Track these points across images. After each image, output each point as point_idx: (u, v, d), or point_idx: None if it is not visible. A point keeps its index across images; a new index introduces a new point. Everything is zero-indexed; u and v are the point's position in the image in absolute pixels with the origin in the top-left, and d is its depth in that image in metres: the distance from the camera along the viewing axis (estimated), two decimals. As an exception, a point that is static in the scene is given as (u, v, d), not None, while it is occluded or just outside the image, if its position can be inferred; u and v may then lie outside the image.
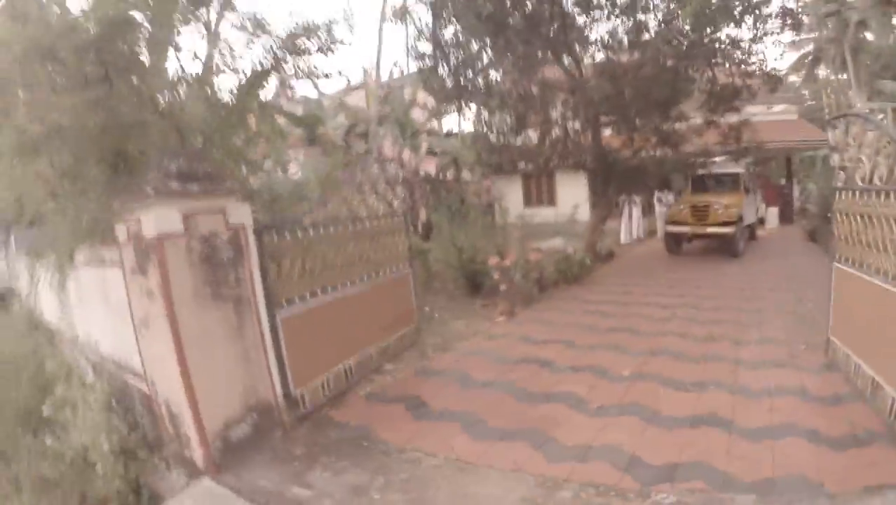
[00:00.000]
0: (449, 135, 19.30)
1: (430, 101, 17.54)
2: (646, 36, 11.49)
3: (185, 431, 4.56)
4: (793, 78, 31.79)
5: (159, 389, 4.80)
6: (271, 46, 5.88)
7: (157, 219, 4.21)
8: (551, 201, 19.71)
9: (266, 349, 5.03)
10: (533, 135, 13.86)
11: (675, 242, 14.99)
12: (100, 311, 6.16)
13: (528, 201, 19.45)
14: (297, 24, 6.01)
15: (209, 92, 5.36)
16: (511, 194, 20.18)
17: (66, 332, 7.94)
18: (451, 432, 4.86)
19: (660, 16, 11.46)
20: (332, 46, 6.28)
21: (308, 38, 6.11)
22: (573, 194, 18.95)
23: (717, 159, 15.74)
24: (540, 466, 4.14)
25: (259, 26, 5.98)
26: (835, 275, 5.48)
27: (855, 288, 4.94)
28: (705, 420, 4.62)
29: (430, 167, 16.12)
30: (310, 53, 6.17)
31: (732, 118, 13.58)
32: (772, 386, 5.22)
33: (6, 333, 8.93)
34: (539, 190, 20.26)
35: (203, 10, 5.49)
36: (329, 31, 6.21)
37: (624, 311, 8.88)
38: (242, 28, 5.82)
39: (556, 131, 13.50)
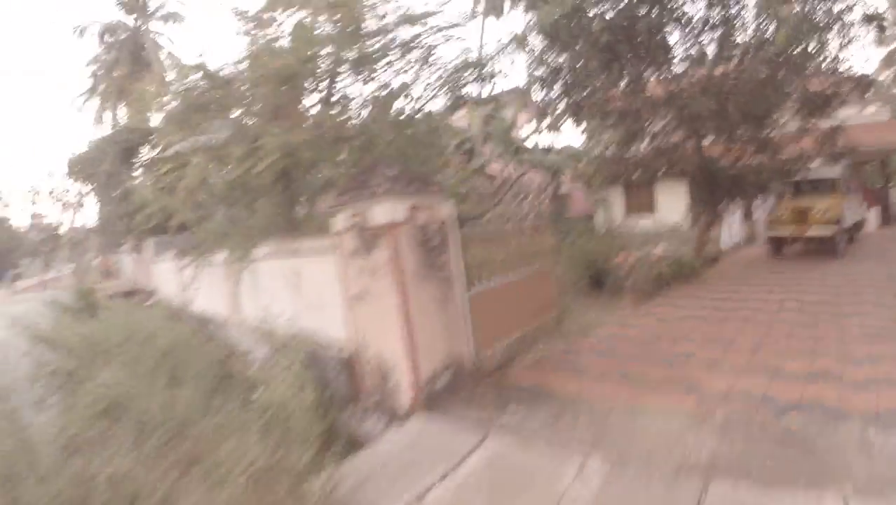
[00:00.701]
0: (548, 150, 20.24)
1: (527, 119, 18.59)
2: (739, 51, 12.09)
3: (397, 381, 5.66)
4: (884, 76, 31.12)
5: (372, 349, 5.90)
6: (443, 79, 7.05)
7: (386, 210, 5.38)
8: (650, 210, 20.34)
9: (462, 320, 6.10)
10: (639, 147, 14.62)
11: (777, 245, 15.43)
12: (283, 294, 7.38)
13: (628, 210, 20.13)
14: (463, 60, 7.16)
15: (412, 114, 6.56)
16: (611, 204, 20.99)
17: (229, 315, 9.38)
18: (613, 387, 5.84)
19: (751, 31, 12.07)
20: (491, 78, 7.44)
21: (469, 71, 7.28)
22: (671, 203, 19.59)
23: (813, 165, 16.04)
24: (692, 405, 5.08)
25: (427, 62, 7.17)
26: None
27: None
28: (819, 376, 5.51)
29: (533, 180, 17.11)
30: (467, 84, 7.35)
31: (826, 124, 13.95)
32: (874, 353, 5.97)
33: (171, 323, 10.43)
34: (639, 199, 20.94)
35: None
36: (485, 65, 7.38)
37: (735, 304, 9.59)
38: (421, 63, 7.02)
39: (662, 143, 14.22)
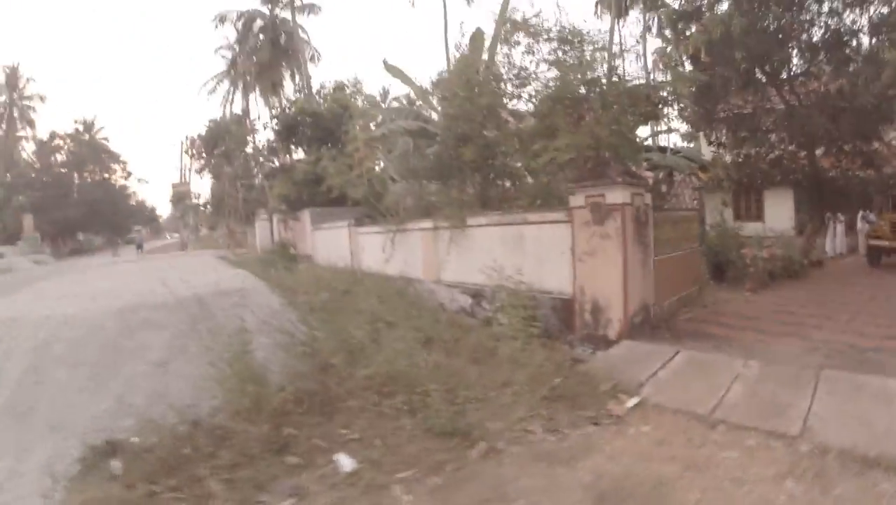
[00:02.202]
0: (663, 150, 22.52)
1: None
2: (851, 67, 14.28)
3: (609, 317, 8.51)
4: None
5: (588, 294, 8.74)
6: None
7: (618, 194, 8.33)
8: (759, 217, 22.48)
9: (651, 277, 8.88)
10: (756, 156, 17.01)
11: (875, 255, 17.44)
12: (499, 255, 10.31)
13: (737, 216, 22.26)
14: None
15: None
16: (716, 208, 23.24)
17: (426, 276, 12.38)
18: (750, 334, 8.85)
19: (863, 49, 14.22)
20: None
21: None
22: (777, 211, 21.77)
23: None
24: (804, 345, 7.97)
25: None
26: None
27: None
28: (890, 337, 8.14)
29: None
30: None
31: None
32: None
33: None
34: (748, 205, 23.09)
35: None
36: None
37: (835, 295, 12.23)
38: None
39: (776, 153, 16.60)
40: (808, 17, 14.29)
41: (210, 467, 4.69)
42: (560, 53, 10.09)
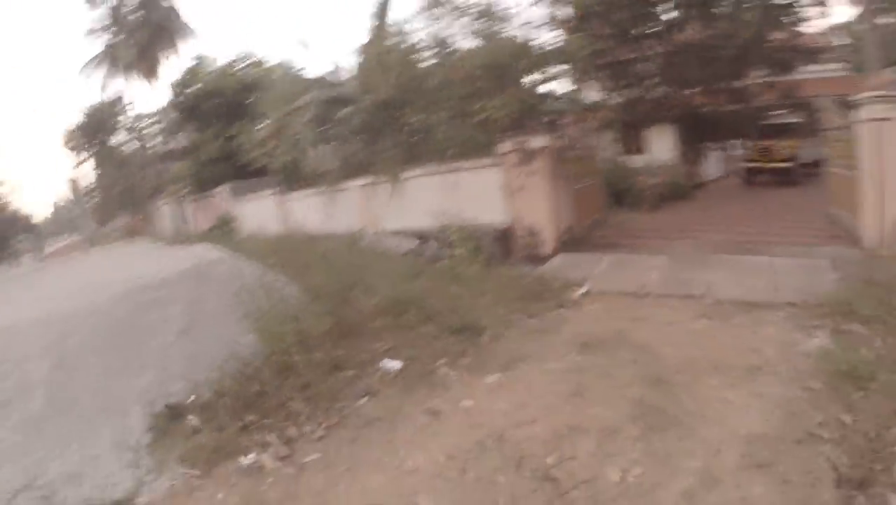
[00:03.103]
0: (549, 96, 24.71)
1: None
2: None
3: (542, 238, 10.60)
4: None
5: (523, 222, 10.73)
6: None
7: (541, 140, 10.29)
8: (642, 150, 25.18)
9: (571, 204, 10.95)
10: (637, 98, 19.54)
11: (748, 176, 20.37)
12: (435, 201, 12.15)
13: (626, 150, 24.78)
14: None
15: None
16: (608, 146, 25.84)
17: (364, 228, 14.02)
18: (654, 241, 11.26)
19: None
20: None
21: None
22: (660, 145, 24.48)
23: (778, 112, 20.99)
24: (695, 243, 10.34)
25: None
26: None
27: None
28: (754, 234, 10.59)
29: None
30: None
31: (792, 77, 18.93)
32: (783, 227, 11.04)
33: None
34: (634, 141, 25.75)
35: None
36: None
37: (716, 210, 14.95)
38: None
39: (657, 95, 19.14)
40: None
41: (283, 395, 5.82)
42: (481, 26, 11.92)
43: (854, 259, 7.94)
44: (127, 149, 52.30)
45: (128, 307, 8.10)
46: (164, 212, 34.81)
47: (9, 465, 5.65)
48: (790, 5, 16.87)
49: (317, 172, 17.17)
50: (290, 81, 21.80)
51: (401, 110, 13.50)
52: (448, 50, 13.06)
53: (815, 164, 19.37)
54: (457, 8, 12.45)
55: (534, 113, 10.88)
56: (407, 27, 15.13)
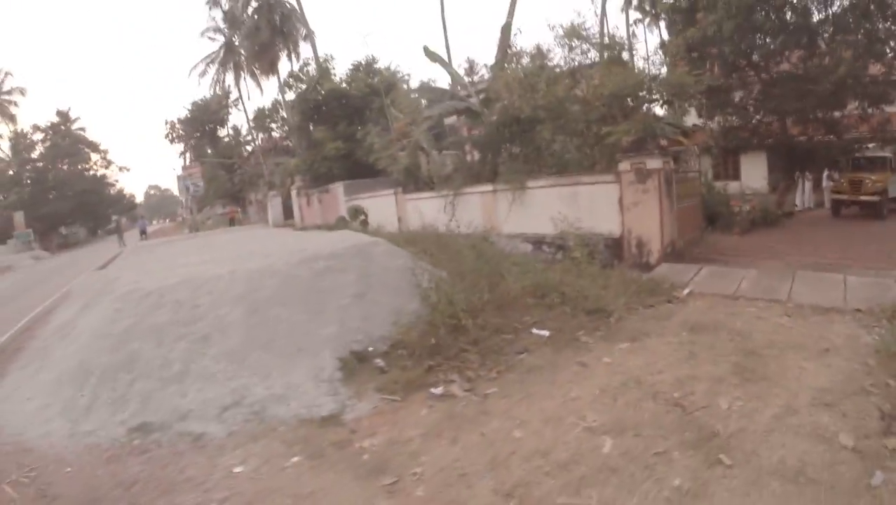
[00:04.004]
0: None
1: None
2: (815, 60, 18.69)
3: (650, 248, 12.66)
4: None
5: (634, 233, 12.90)
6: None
7: (655, 161, 12.47)
8: (736, 176, 26.90)
9: (676, 221, 13.12)
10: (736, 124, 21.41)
11: (837, 207, 21.82)
12: (555, 211, 14.34)
13: (716, 176, 26.53)
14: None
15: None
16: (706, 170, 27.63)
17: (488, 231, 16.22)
18: (746, 258, 13.17)
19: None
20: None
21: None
22: (752, 172, 26.19)
23: (870, 145, 22.42)
24: (782, 262, 12.21)
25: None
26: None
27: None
28: (840, 258, 12.33)
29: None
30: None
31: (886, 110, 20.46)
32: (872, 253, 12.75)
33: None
34: (727, 167, 27.49)
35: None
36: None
37: (804, 237, 16.59)
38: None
39: (754, 122, 20.98)
40: (783, 18, 18.62)
41: (458, 347, 7.62)
42: (604, 55, 14.24)
43: None
44: (232, 142, 56.59)
45: (306, 271, 9.35)
46: (268, 203, 37.83)
47: (215, 387, 6.91)
48: (888, 39, 18.49)
49: (438, 177, 19.68)
50: (417, 90, 24.32)
51: (532, 127, 15.85)
52: (580, 76, 15.36)
53: (905, 198, 20.88)
54: (588, 38, 14.82)
55: (651, 137, 12.98)
56: (539, 51, 17.56)
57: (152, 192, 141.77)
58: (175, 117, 60.37)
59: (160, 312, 8.37)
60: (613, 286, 10.66)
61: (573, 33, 15.37)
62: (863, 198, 20.12)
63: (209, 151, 57.11)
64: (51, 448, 6.07)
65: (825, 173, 23.79)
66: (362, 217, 21.69)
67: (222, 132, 58.31)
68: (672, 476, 4.52)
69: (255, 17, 41.25)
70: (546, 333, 8.55)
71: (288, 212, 35.47)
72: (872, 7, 17.55)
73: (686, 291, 10.58)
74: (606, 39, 14.87)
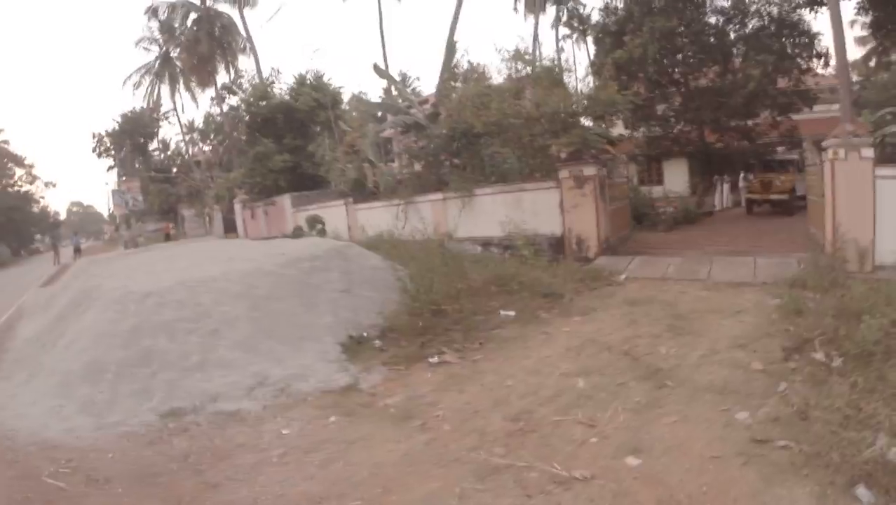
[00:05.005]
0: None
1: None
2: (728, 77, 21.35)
3: (589, 244, 14.62)
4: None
5: (574, 232, 14.86)
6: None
7: (591, 169, 14.39)
8: (660, 181, 29.40)
9: (608, 220, 15.08)
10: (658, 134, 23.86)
11: (750, 205, 24.25)
12: (500, 216, 16.13)
13: (642, 181, 28.95)
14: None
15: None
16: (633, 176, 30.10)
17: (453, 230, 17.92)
18: (671, 248, 15.25)
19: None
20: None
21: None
22: (675, 176, 28.76)
23: (780, 150, 25.19)
24: (701, 251, 14.29)
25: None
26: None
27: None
28: (750, 244, 14.54)
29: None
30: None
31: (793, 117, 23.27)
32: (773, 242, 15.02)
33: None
34: (651, 173, 30.00)
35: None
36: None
37: (721, 231, 18.89)
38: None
39: (674, 132, 23.46)
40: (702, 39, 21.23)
41: (442, 327, 9.15)
42: (549, 78, 16.23)
43: (814, 259, 11.69)
44: (166, 155, 56.49)
45: (294, 271, 10.23)
46: (214, 216, 38.34)
47: (237, 371, 7.53)
48: (795, 56, 21.25)
49: (386, 187, 21.28)
50: (365, 104, 25.82)
51: (479, 140, 17.65)
52: (523, 95, 17.29)
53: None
54: (531, 62, 16.83)
55: (586, 148, 14.93)
56: (484, 71, 19.43)
57: (75, 208, 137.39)
58: (103, 130, 59.35)
59: (165, 311, 8.66)
60: (561, 275, 12.47)
61: (518, 57, 17.37)
62: (773, 196, 22.56)
63: (137, 165, 56.71)
64: (80, 441, 6.13)
65: (741, 176, 26.36)
66: (320, 226, 22.98)
67: (153, 145, 58.08)
68: (633, 397, 6.27)
69: (195, 28, 41.41)
70: (512, 313, 10.24)
71: (229, 225, 35.73)
72: (783, 28, 20.27)
73: (623, 277, 12.55)
74: (546, 62, 16.74)
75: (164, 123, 56.09)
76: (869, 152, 11.16)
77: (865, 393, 5.32)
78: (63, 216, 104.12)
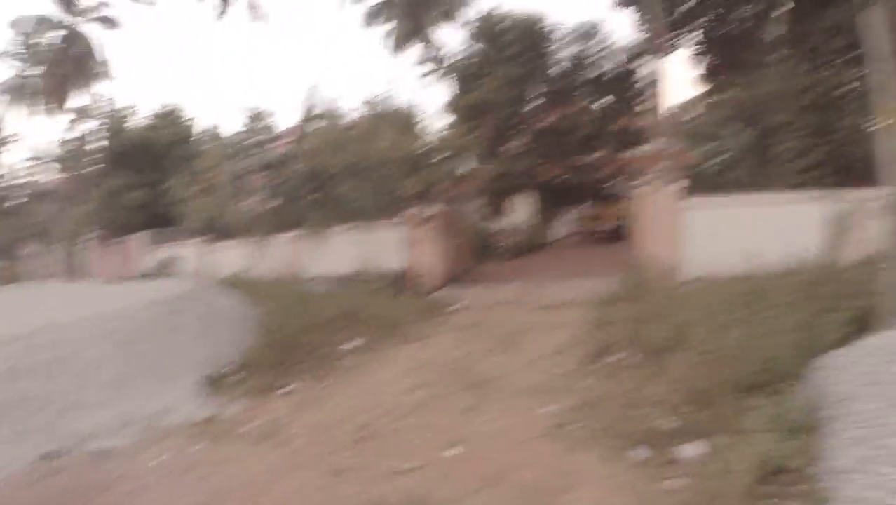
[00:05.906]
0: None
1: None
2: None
3: (431, 278, 16.14)
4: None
5: (419, 266, 16.35)
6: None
7: (433, 209, 15.97)
8: (507, 213, 31.45)
9: (451, 255, 16.72)
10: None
11: (584, 234, 26.83)
12: (352, 253, 17.47)
13: (491, 213, 30.55)
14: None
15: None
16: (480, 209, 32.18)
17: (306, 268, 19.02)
18: (505, 278, 16.77)
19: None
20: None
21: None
22: (521, 208, 31.09)
23: (616, 182, 27.96)
24: (535, 278, 16.04)
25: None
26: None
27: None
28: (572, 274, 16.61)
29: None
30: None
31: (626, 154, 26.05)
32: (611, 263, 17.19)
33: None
34: (498, 205, 32.09)
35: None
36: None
37: (557, 259, 20.90)
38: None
39: (520, 167, 25.76)
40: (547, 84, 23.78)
41: (294, 359, 9.66)
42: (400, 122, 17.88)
43: (629, 278, 13.14)
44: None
45: (151, 314, 10.35)
46: (49, 257, 36.73)
47: (107, 410, 7.81)
48: (631, 98, 24.16)
49: (242, 225, 22.05)
50: (220, 142, 26.25)
51: (331, 179, 18.90)
52: (374, 137, 18.74)
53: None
54: (385, 112, 18.50)
55: (434, 187, 16.56)
56: (342, 111, 20.78)
57: None
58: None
59: (36, 353, 8.54)
60: (405, 307, 13.68)
61: (372, 105, 19.00)
62: (606, 225, 25.24)
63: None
64: (-45, 490, 6.11)
65: (580, 207, 29.03)
66: (175, 266, 23.36)
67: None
68: (460, 403, 7.48)
69: (50, 50, 39.46)
70: (359, 342, 11.30)
71: (82, 264, 34.46)
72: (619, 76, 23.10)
73: (461, 305, 14.13)
74: (403, 104, 18.54)
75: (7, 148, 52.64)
76: (675, 187, 13.10)
77: (650, 381, 6.89)
78: None
